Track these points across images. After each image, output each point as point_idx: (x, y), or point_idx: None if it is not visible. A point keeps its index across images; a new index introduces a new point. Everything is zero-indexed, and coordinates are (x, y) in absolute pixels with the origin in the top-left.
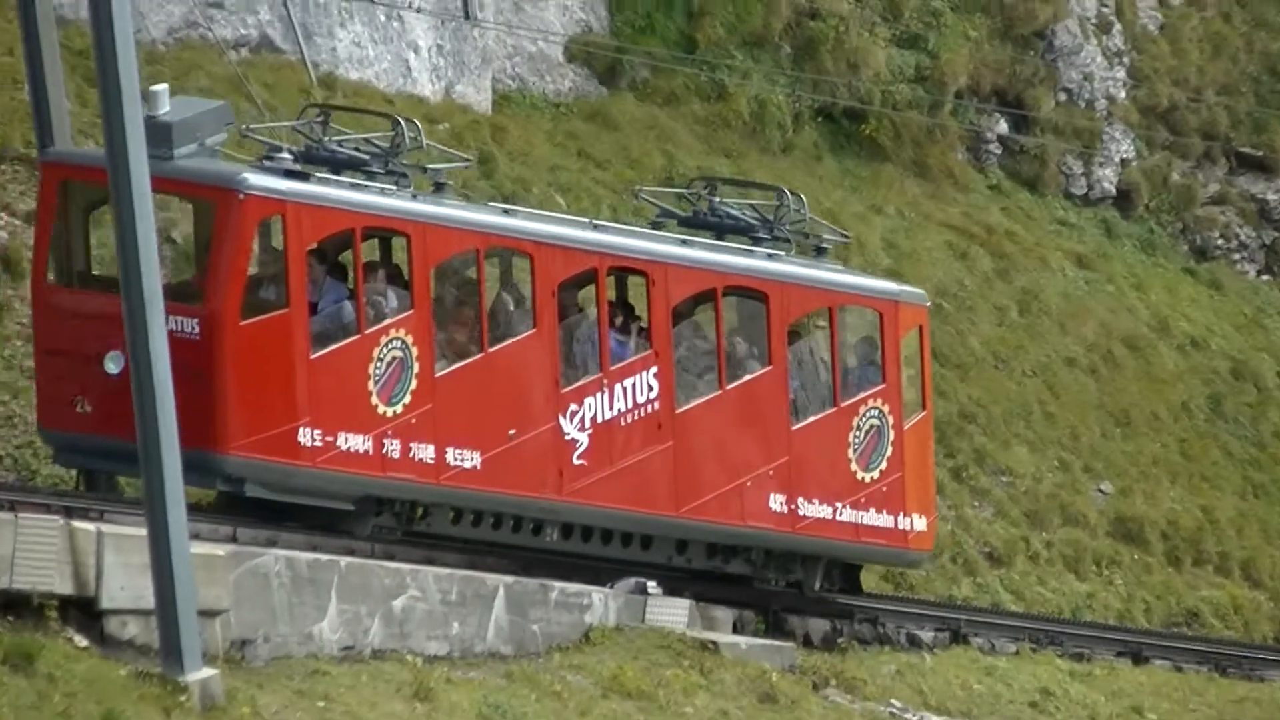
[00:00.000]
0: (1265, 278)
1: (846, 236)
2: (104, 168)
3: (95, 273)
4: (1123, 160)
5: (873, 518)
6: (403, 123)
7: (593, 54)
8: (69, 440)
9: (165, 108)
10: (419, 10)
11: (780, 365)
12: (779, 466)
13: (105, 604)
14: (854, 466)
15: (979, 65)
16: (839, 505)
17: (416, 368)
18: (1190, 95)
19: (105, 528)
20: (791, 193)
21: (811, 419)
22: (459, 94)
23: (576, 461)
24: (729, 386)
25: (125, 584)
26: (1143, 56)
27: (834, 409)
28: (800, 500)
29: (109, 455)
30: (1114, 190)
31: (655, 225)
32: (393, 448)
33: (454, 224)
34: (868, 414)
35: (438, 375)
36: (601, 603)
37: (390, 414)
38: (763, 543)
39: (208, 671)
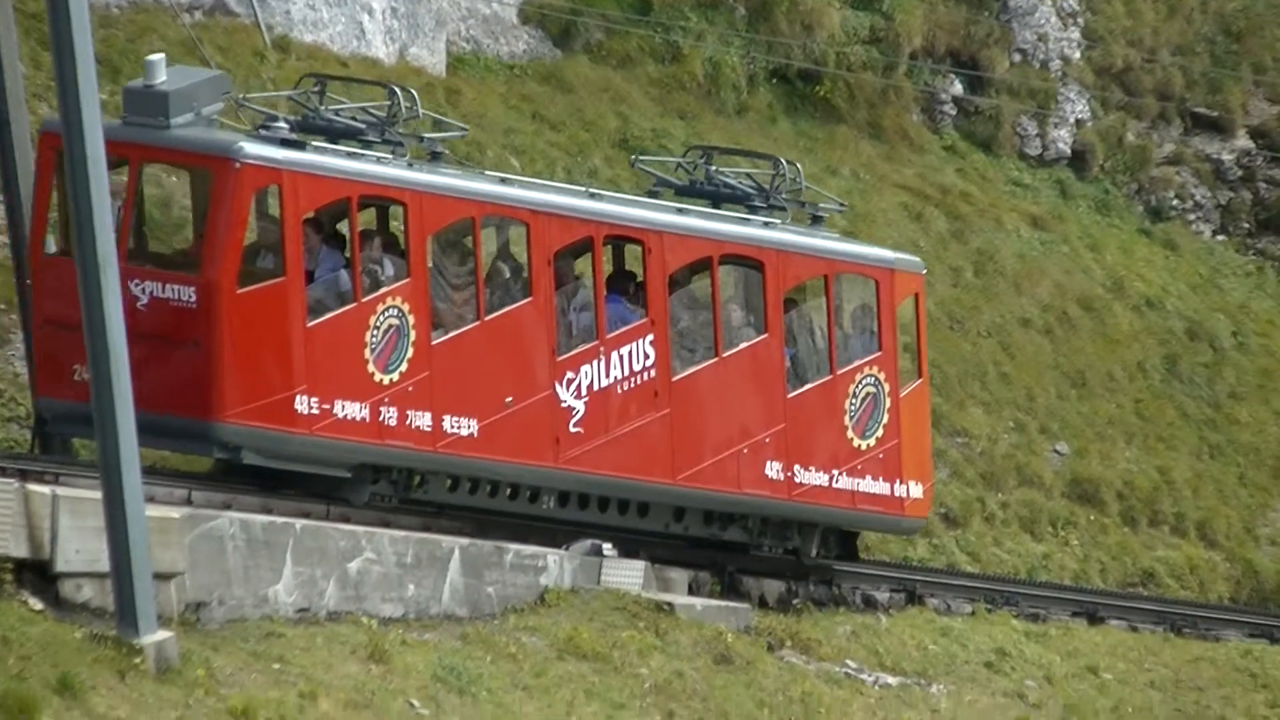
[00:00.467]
0: (1220, 238)
1: (843, 205)
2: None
3: None
4: (1077, 121)
5: (869, 485)
6: (399, 92)
7: (547, 16)
8: (66, 409)
9: (162, 77)
10: None
11: (776, 333)
12: (775, 434)
13: (60, 567)
14: (850, 434)
15: (933, 26)
16: (835, 472)
17: (413, 336)
18: (1145, 55)
19: (60, 491)
20: (788, 162)
21: (808, 386)
22: (413, 56)
23: (573, 429)
24: (725, 354)
25: (80, 547)
26: (1097, 17)
27: (830, 376)
28: (797, 468)
29: None
30: (1069, 151)
31: (651, 194)
32: (389, 415)
33: (450, 192)
34: (864, 381)
35: (434, 343)
36: (556, 565)
37: (387, 382)
38: (759, 510)
39: (163, 634)
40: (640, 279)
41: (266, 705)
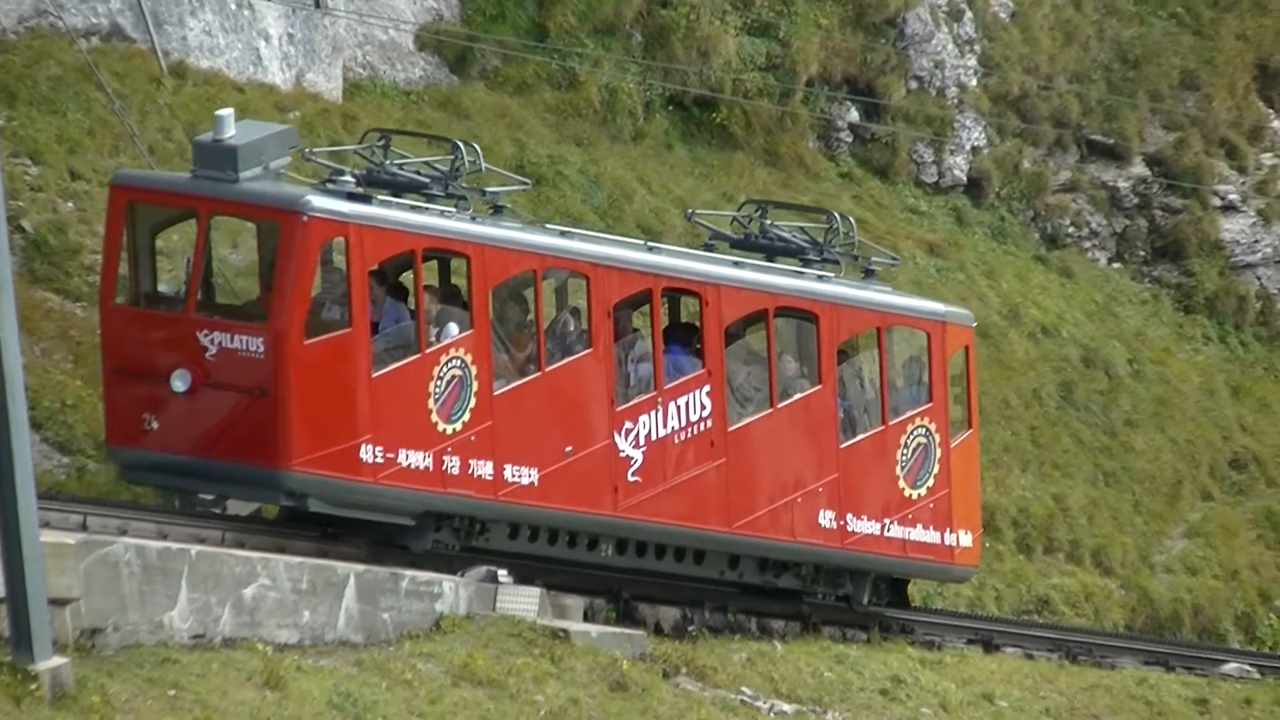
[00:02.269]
0: (1116, 265)
1: (895, 259)
2: (171, 190)
3: (161, 292)
4: (974, 148)
5: (920, 533)
6: (462, 146)
7: (443, 42)
8: (136, 457)
9: (231, 131)
10: None
11: (830, 384)
12: (829, 483)
13: None
14: (902, 483)
15: (830, 53)
16: (887, 521)
17: (475, 386)
18: (1041, 83)
19: None
20: (841, 216)
21: (860, 437)
22: (310, 82)
23: (631, 478)
24: (780, 405)
25: None
26: (994, 44)
27: (882, 427)
28: (849, 516)
29: (176, 472)
30: (965, 178)
31: (707, 247)
32: (452, 464)
33: (512, 245)
34: (915, 432)
35: (496, 393)
36: (452, 591)
37: (450, 431)
38: (813, 558)
39: (58, 660)
40: (697, 330)
41: None
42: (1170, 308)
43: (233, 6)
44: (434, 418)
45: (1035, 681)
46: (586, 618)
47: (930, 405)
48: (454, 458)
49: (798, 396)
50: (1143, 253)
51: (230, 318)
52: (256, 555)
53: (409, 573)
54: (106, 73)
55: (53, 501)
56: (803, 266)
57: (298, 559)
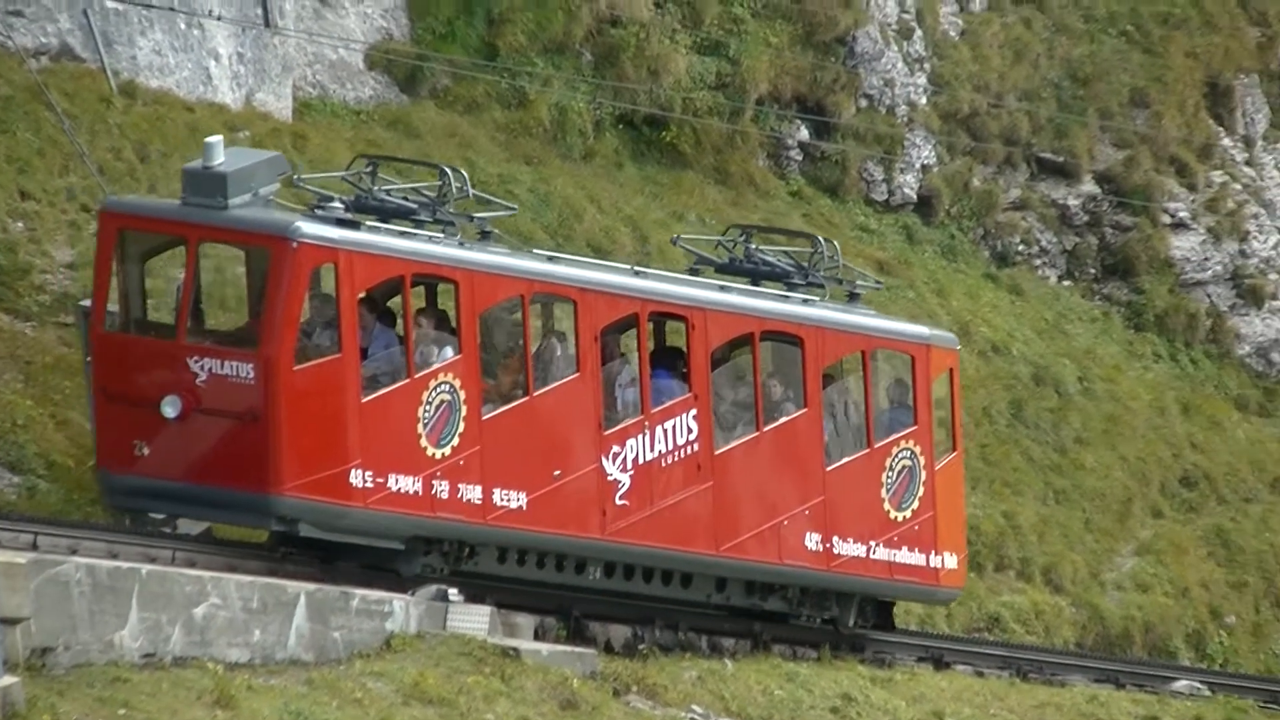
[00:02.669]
0: (1066, 283)
1: (879, 283)
2: (161, 217)
3: (151, 319)
4: (924, 166)
5: (906, 556)
6: (449, 172)
7: (393, 61)
8: (126, 483)
9: (220, 158)
10: (219, 18)
11: (815, 407)
12: (815, 506)
13: None
14: (887, 506)
15: (780, 72)
16: (873, 544)
17: (464, 411)
18: (991, 101)
19: None
20: (825, 240)
21: (846, 460)
22: (260, 102)
23: (619, 501)
24: (766, 428)
25: None
26: (944, 62)
27: (867, 450)
28: (835, 539)
29: (166, 498)
30: (915, 196)
31: (692, 271)
32: (441, 488)
33: (500, 271)
34: (900, 455)
35: (485, 418)
36: (403, 610)
37: (439, 456)
38: (799, 581)
39: (8, 680)
40: (683, 354)
41: None
42: (1120, 325)
43: (182, 26)
44: (423, 442)
45: (986, 699)
46: (537, 636)
47: (915, 428)
48: (443, 482)
49: (784, 420)
50: (1093, 270)
51: (220, 344)
52: (207, 574)
53: (359, 591)
54: (56, 92)
55: (3, 521)
56: (788, 290)
57: (248, 578)
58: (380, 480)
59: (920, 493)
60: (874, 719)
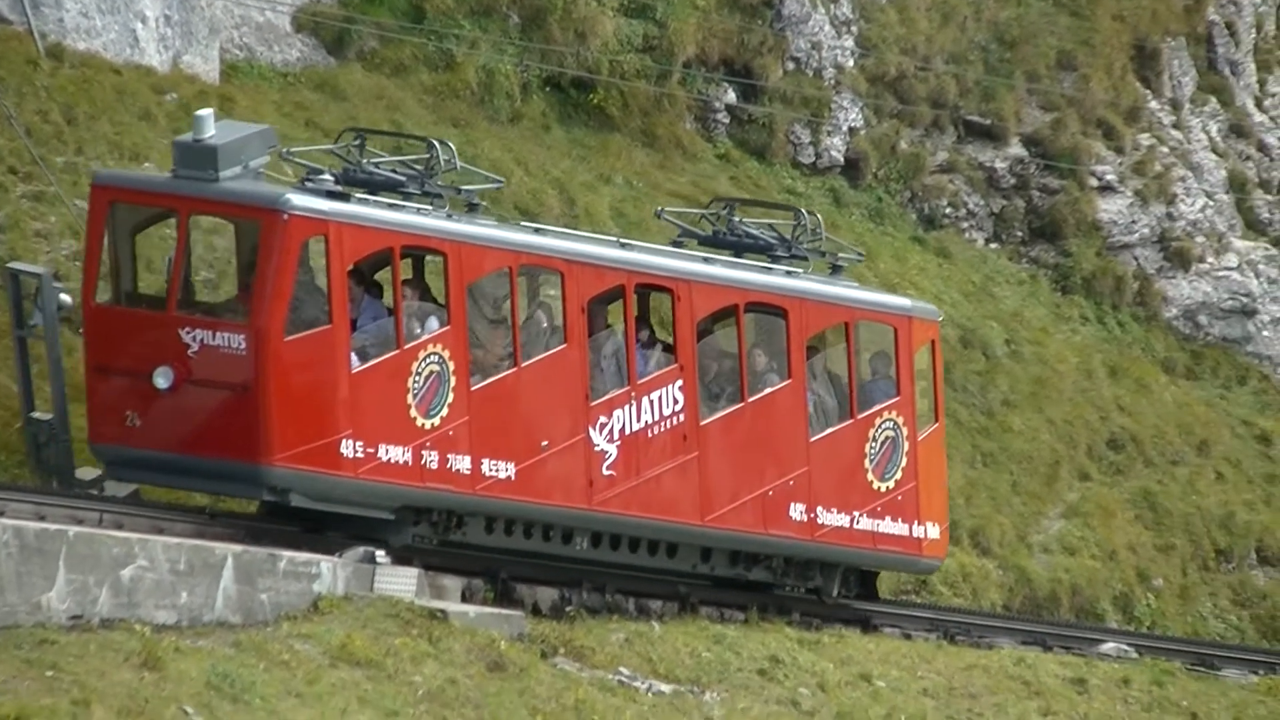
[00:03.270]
0: (993, 246)
1: (860, 255)
2: (152, 190)
3: (142, 291)
4: (851, 129)
5: (889, 526)
6: (437, 145)
7: (320, 24)
8: (120, 454)
9: (211, 131)
10: None
11: (799, 378)
12: (799, 477)
13: None
14: (870, 476)
15: (707, 34)
16: (856, 514)
17: (453, 381)
18: (919, 64)
19: None
20: (808, 212)
21: (829, 430)
22: (187, 64)
23: (606, 472)
24: (750, 399)
25: None
26: (871, 25)
27: (851, 421)
28: (819, 509)
29: (159, 468)
30: (842, 159)
31: (676, 244)
32: (431, 459)
33: (488, 243)
34: (883, 425)
35: (473, 389)
36: (330, 572)
37: (428, 426)
38: (784, 551)
39: None
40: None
41: (39, 713)
42: (1048, 288)
43: None
44: (413, 413)
45: (913, 662)
46: (464, 598)
47: (898, 399)
48: (432, 452)
49: (768, 391)
50: (1020, 233)
51: (212, 315)
52: (134, 536)
53: (287, 553)
54: None
55: None
56: (771, 263)
57: (175, 540)
58: (370, 451)
59: (903, 463)
60: (801, 681)
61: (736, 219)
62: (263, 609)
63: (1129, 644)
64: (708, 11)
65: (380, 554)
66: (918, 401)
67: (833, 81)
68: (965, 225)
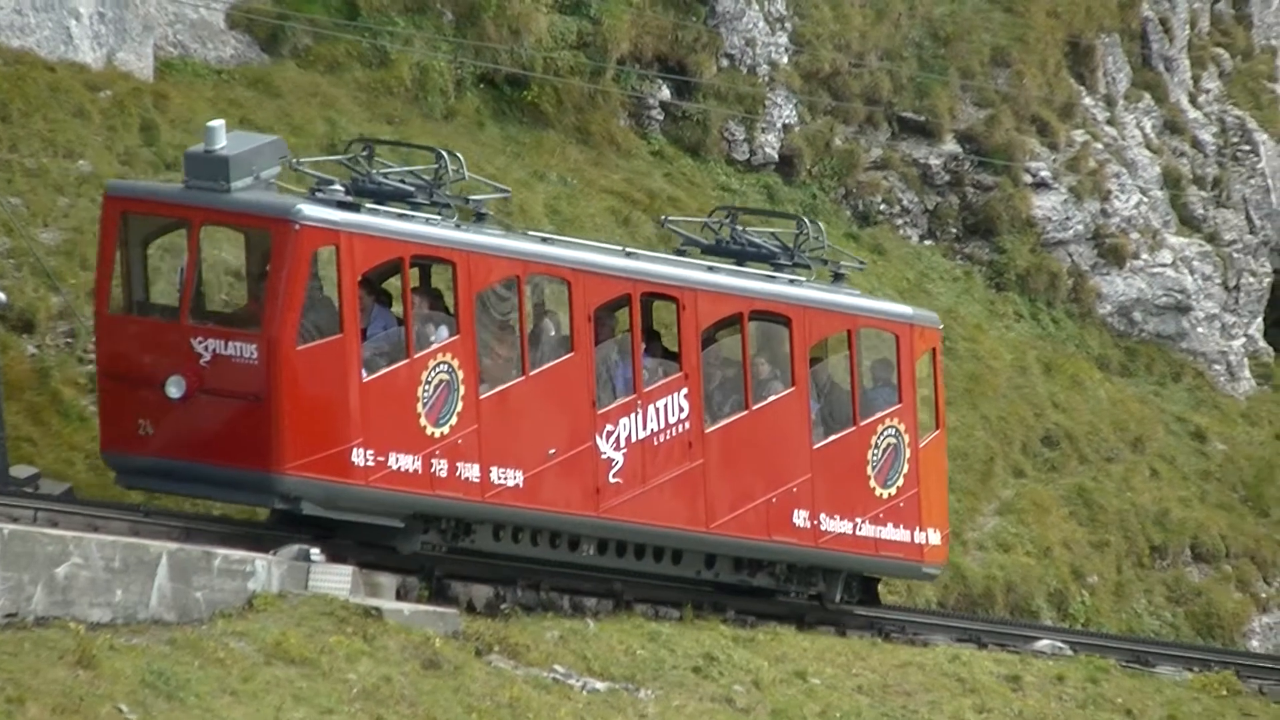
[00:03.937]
0: (928, 242)
1: (862, 264)
2: (164, 200)
3: (155, 301)
4: (785, 126)
5: (890, 532)
6: (445, 155)
7: (255, 21)
8: (131, 463)
9: (222, 142)
10: None
11: (802, 386)
12: (802, 483)
13: None
14: (873, 483)
15: (641, 31)
16: (858, 520)
17: (462, 390)
18: (853, 60)
19: None
20: (811, 221)
21: (832, 438)
22: (121, 61)
23: (612, 479)
24: (755, 407)
25: None
26: (805, 21)
27: (853, 428)
28: (822, 516)
29: (171, 476)
30: (776, 156)
31: (679, 252)
32: (440, 467)
33: (497, 252)
34: (885, 432)
35: (482, 397)
36: (265, 569)
37: (438, 434)
38: (787, 557)
39: None
40: (663, 338)
41: None
42: (982, 285)
43: None
44: (422, 421)
45: (848, 659)
46: (399, 596)
47: (900, 406)
48: (442, 460)
49: (772, 398)
50: (954, 230)
51: (224, 324)
52: (69, 534)
53: (221, 551)
54: None
55: None
56: (774, 271)
57: (110, 538)
58: (381, 459)
59: (905, 470)
60: (736, 679)
61: (738, 227)
62: (198, 607)
63: (1064, 641)
64: (642, 8)
65: (315, 552)
66: (919, 409)
67: (767, 78)
68: (900, 222)
